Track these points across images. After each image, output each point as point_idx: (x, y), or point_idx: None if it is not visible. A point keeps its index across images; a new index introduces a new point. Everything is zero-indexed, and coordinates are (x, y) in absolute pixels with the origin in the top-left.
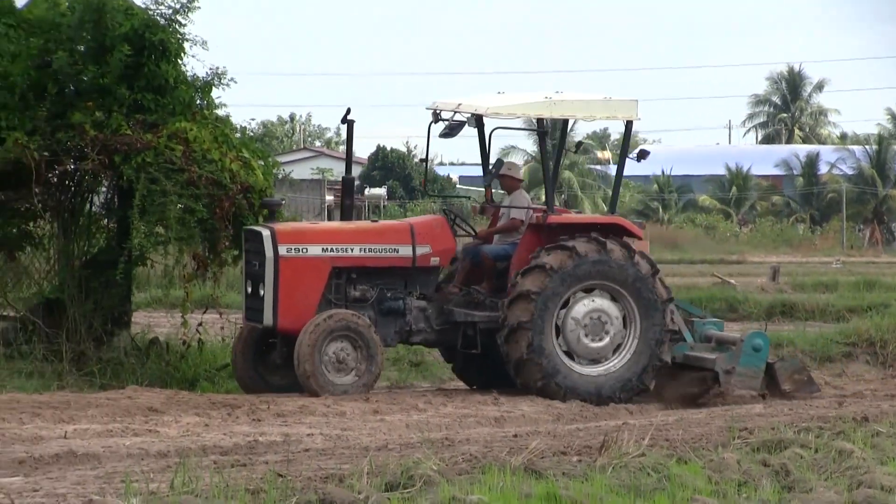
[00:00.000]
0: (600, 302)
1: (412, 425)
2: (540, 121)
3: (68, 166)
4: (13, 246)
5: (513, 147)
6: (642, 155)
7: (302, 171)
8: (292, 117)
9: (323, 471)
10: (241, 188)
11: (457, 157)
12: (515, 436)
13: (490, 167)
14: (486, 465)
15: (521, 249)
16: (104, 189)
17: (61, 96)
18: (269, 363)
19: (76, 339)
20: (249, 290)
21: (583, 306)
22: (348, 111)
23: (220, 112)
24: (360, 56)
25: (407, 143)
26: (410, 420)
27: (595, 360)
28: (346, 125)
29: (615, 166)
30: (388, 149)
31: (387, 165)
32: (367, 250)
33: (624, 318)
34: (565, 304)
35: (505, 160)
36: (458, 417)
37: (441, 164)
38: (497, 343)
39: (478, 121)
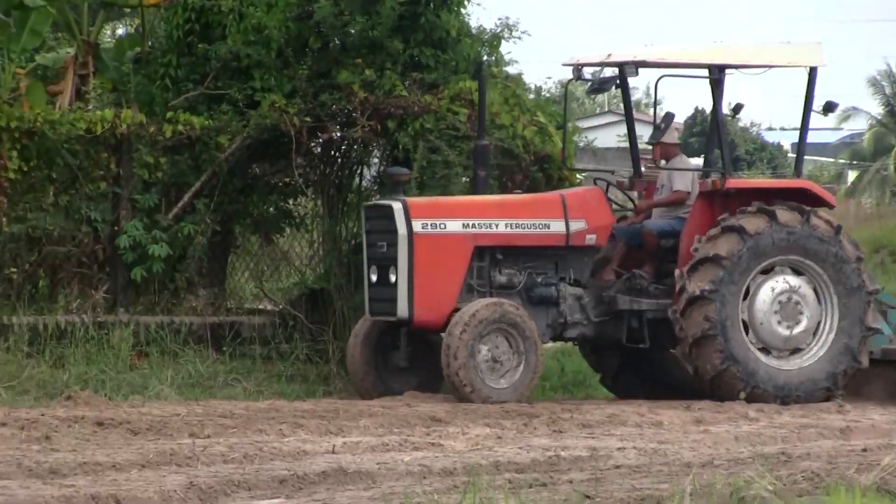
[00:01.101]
0: (796, 282)
1: (742, 438)
2: (709, 69)
3: (334, 134)
4: (270, 228)
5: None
6: (829, 108)
7: (606, 139)
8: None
9: (637, 491)
10: (535, 158)
11: (786, 122)
12: (864, 450)
13: (658, 122)
14: (831, 485)
15: (693, 221)
16: (376, 160)
17: (325, 52)
18: (390, 365)
19: (344, 337)
20: (374, 277)
21: (775, 283)
22: (479, 64)
23: (511, 70)
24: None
25: (731, 104)
26: (740, 432)
27: (784, 351)
28: (477, 80)
29: None
30: (708, 112)
31: (706, 131)
32: (514, 226)
33: (820, 307)
34: (755, 279)
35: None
36: (795, 428)
37: (770, 129)
38: (665, 337)
39: (626, 73)
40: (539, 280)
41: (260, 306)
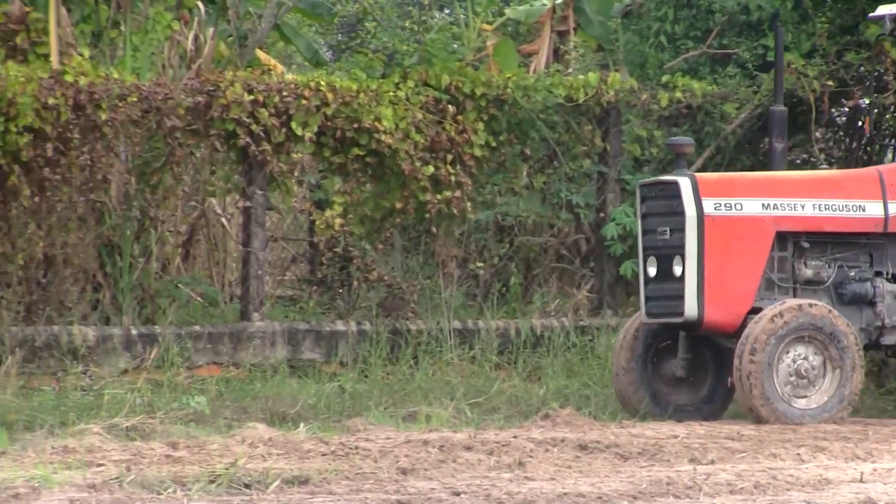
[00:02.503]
0: None
1: None
2: None
3: (861, 101)
4: None
5: None
6: None
7: None
8: None
9: None
10: None
11: None
12: None
13: None
14: None
15: None
16: None
17: (851, 2)
18: (664, 375)
19: None
20: (653, 270)
21: None
22: (776, 14)
23: None
24: None
25: None
26: None
27: None
28: (774, 33)
29: None
30: None
31: None
32: (823, 208)
33: None
34: None
35: None
36: None
37: None
38: None
39: None
40: (852, 274)
41: None
